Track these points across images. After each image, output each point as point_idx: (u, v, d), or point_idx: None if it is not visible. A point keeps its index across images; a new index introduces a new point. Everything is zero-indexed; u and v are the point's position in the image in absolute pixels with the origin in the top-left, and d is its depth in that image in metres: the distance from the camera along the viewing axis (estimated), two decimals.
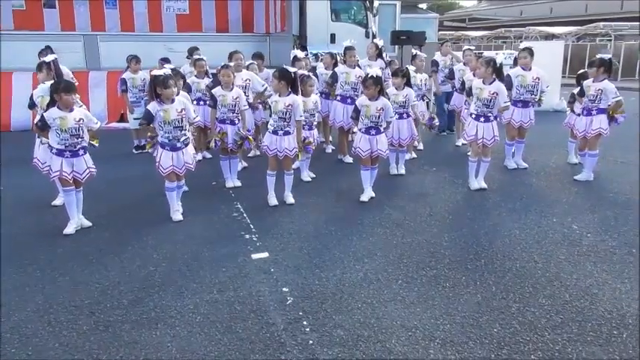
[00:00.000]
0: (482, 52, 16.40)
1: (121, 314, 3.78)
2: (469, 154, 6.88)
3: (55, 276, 4.40)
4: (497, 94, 6.38)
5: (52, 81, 5.54)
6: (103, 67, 12.47)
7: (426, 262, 4.58)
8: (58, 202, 6.09)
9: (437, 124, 8.26)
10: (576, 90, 7.40)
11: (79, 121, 5.21)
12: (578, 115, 7.36)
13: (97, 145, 5.51)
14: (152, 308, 3.85)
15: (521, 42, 10.61)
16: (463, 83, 8.33)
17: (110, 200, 6.45)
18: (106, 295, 4.06)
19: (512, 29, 34.21)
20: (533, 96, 7.61)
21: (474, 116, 6.54)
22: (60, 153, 5.23)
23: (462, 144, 9.09)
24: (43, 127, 5.19)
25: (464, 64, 9.54)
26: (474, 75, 7.61)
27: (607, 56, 6.88)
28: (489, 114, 6.46)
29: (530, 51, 7.60)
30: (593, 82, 6.80)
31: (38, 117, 5.40)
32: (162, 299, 3.98)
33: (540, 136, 9.95)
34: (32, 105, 6.20)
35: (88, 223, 5.52)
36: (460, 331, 3.51)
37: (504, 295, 3.99)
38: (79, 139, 5.26)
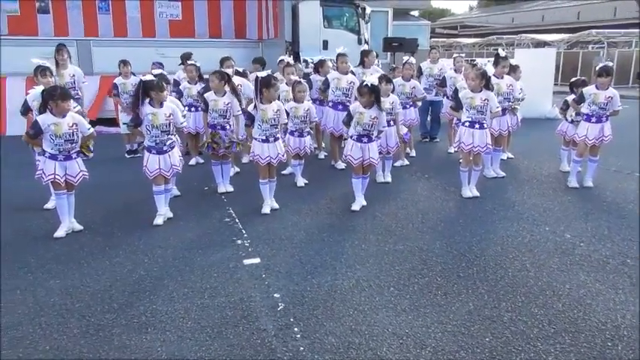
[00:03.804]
0: (474, 60, 16.50)
1: (111, 318, 3.76)
2: (461, 161, 6.89)
3: (46, 279, 4.37)
4: (488, 101, 6.44)
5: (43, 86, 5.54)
6: (95, 72, 12.44)
7: (418, 270, 4.57)
8: (50, 205, 6.07)
9: (406, 139, 8.21)
10: (570, 97, 7.41)
11: (72, 126, 5.20)
12: (572, 122, 7.43)
13: (89, 155, 5.50)
14: (143, 312, 3.83)
15: (513, 49, 10.73)
16: (456, 91, 8.33)
17: (102, 204, 6.42)
18: (96, 299, 4.04)
19: (504, 36, 34.28)
20: (510, 103, 7.82)
21: (467, 124, 6.54)
22: (53, 157, 5.21)
23: (455, 151, 9.10)
24: (37, 132, 5.14)
25: (455, 71, 9.58)
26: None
27: (610, 64, 7.01)
28: (483, 121, 6.50)
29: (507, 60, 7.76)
30: (598, 89, 6.82)
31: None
32: (152, 304, 3.96)
33: (532, 143, 10.02)
34: (26, 110, 6.17)
35: (79, 227, 5.51)
36: (452, 339, 3.49)
37: (496, 303, 3.98)
38: (74, 144, 5.27)
